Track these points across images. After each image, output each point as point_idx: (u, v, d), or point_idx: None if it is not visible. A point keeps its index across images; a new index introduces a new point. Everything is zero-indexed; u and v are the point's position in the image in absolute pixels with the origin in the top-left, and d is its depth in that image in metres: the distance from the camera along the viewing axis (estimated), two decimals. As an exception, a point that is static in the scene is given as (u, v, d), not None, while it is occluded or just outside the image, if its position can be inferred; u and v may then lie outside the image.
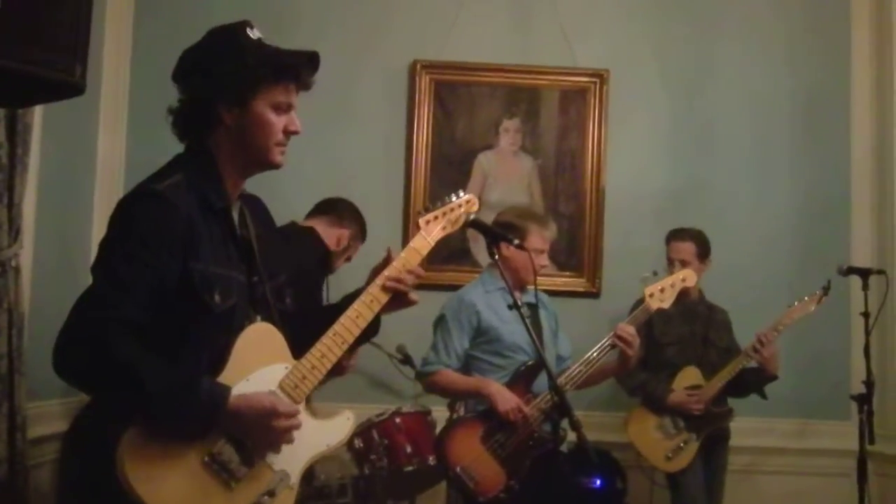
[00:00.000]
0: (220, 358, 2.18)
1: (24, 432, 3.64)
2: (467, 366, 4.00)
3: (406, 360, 4.67)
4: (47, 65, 2.26)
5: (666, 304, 3.99)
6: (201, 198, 2.23)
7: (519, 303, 3.06)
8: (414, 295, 2.46)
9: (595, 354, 3.86)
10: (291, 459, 2.26)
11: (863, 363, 4.50)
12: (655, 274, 4.19)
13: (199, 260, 2.16)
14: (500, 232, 3.02)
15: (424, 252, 2.50)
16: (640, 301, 4.24)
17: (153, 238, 2.12)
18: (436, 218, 2.56)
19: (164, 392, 2.05)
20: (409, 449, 4.05)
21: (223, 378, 2.16)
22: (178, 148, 2.40)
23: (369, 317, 2.37)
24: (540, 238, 4.03)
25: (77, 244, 4.69)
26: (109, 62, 4.94)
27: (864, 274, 4.56)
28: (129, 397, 2.06)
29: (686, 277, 4.06)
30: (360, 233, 4.37)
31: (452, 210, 2.59)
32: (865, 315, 4.49)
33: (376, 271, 2.45)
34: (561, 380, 3.88)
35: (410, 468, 4.03)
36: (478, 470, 3.70)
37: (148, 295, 2.09)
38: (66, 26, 2.30)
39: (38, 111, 3.73)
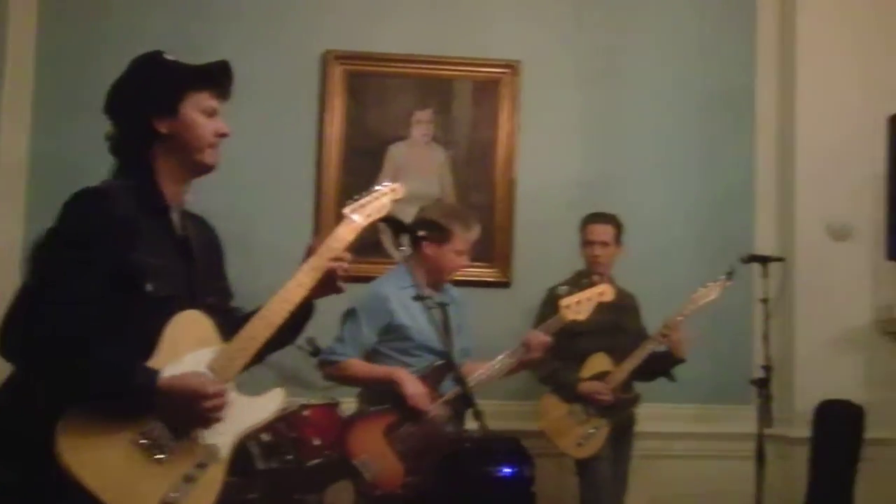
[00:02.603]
0: (152, 344, 2.30)
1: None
2: (373, 361, 4.02)
3: (316, 352, 4.65)
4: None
5: (581, 316, 4.13)
6: (139, 199, 2.39)
7: (424, 297, 3.10)
8: (342, 283, 2.54)
9: (504, 359, 4.01)
10: (221, 434, 2.35)
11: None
12: (568, 288, 4.29)
13: (135, 250, 2.30)
14: (406, 225, 3.03)
15: (349, 238, 2.57)
16: (550, 299, 4.33)
17: (89, 229, 2.28)
18: (361, 206, 2.63)
19: (97, 375, 2.22)
20: (316, 442, 4.06)
21: (154, 362, 2.28)
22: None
23: (296, 300, 2.46)
24: (462, 240, 4.06)
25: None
26: (13, 54, 4.85)
27: (764, 261, 4.69)
28: (65, 378, 2.21)
29: (604, 292, 4.20)
30: None
31: (377, 198, 2.67)
32: (765, 301, 4.63)
33: (305, 258, 2.54)
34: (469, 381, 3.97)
35: (319, 461, 4.03)
36: (377, 463, 3.74)
37: (85, 282, 2.24)
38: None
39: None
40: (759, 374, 4.61)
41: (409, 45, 5.33)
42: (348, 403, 4.30)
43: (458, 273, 4.19)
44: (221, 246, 2.70)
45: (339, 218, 2.61)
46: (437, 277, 4.07)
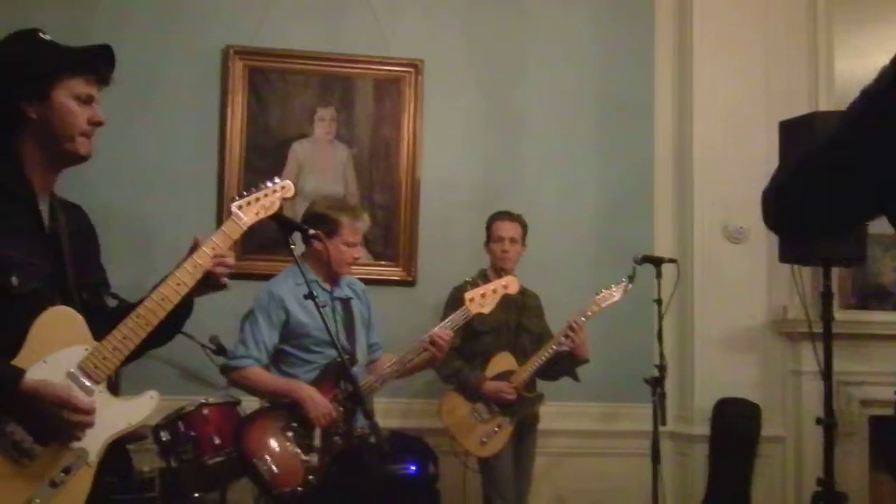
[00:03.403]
0: (16, 341, 2.19)
1: None
2: (275, 360, 3.96)
3: (219, 350, 4.56)
4: None
5: (486, 309, 4.10)
6: (3, 187, 2.26)
7: (314, 295, 3.06)
8: (225, 279, 2.46)
9: (410, 355, 3.95)
10: (90, 437, 2.25)
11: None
12: (472, 281, 4.26)
13: None
14: (293, 222, 3.00)
15: (236, 237, 2.50)
16: (456, 295, 4.32)
17: None
18: (248, 203, 2.55)
19: None
20: (216, 440, 3.94)
21: (18, 361, 2.17)
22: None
23: (175, 299, 2.36)
24: (352, 231, 4.04)
25: None
26: None
27: (657, 262, 4.76)
28: None
29: (508, 284, 4.18)
30: None
31: (266, 195, 2.59)
32: (658, 302, 4.69)
33: (188, 256, 2.43)
34: (371, 378, 3.95)
35: (218, 460, 3.93)
36: (276, 462, 3.65)
37: None
38: None
39: None
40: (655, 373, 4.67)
41: (312, 41, 5.28)
42: (249, 402, 4.22)
43: (352, 264, 4.15)
44: (96, 235, 2.57)
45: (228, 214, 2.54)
46: (331, 271, 4.02)
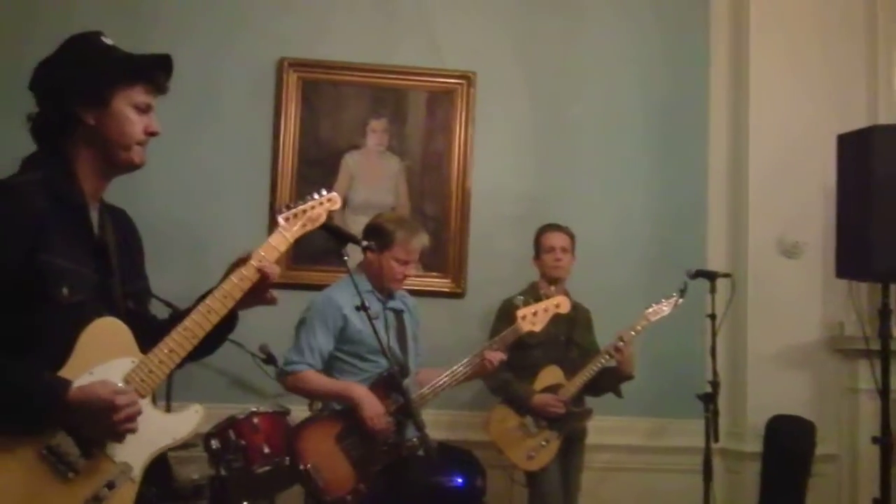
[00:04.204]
0: (64, 352, 2.17)
1: None
2: (329, 367, 3.99)
3: (269, 359, 4.60)
4: None
5: (537, 328, 4.14)
6: (57, 194, 2.23)
7: (368, 303, 3.08)
8: (272, 293, 2.44)
9: (461, 369, 3.99)
10: (134, 452, 2.23)
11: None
12: (524, 299, 4.26)
13: (49, 252, 2.16)
14: (347, 233, 3.00)
15: (283, 249, 2.46)
16: (505, 310, 4.31)
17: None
18: (295, 215, 2.51)
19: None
20: (266, 449, 3.98)
21: (65, 372, 2.15)
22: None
23: (222, 312, 2.33)
24: (404, 248, 4.04)
25: None
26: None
27: (711, 277, 4.70)
28: None
29: (560, 304, 4.21)
30: None
31: (313, 207, 2.55)
32: (712, 317, 4.64)
33: (233, 268, 2.41)
34: (425, 390, 3.97)
35: (267, 469, 3.97)
36: (328, 469, 3.69)
37: None
38: None
39: None
40: (707, 388, 4.60)
41: (365, 54, 5.30)
42: (298, 412, 4.24)
43: (401, 282, 4.16)
44: (140, 241, 2.54)
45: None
46: (381, 284, 4.04)
